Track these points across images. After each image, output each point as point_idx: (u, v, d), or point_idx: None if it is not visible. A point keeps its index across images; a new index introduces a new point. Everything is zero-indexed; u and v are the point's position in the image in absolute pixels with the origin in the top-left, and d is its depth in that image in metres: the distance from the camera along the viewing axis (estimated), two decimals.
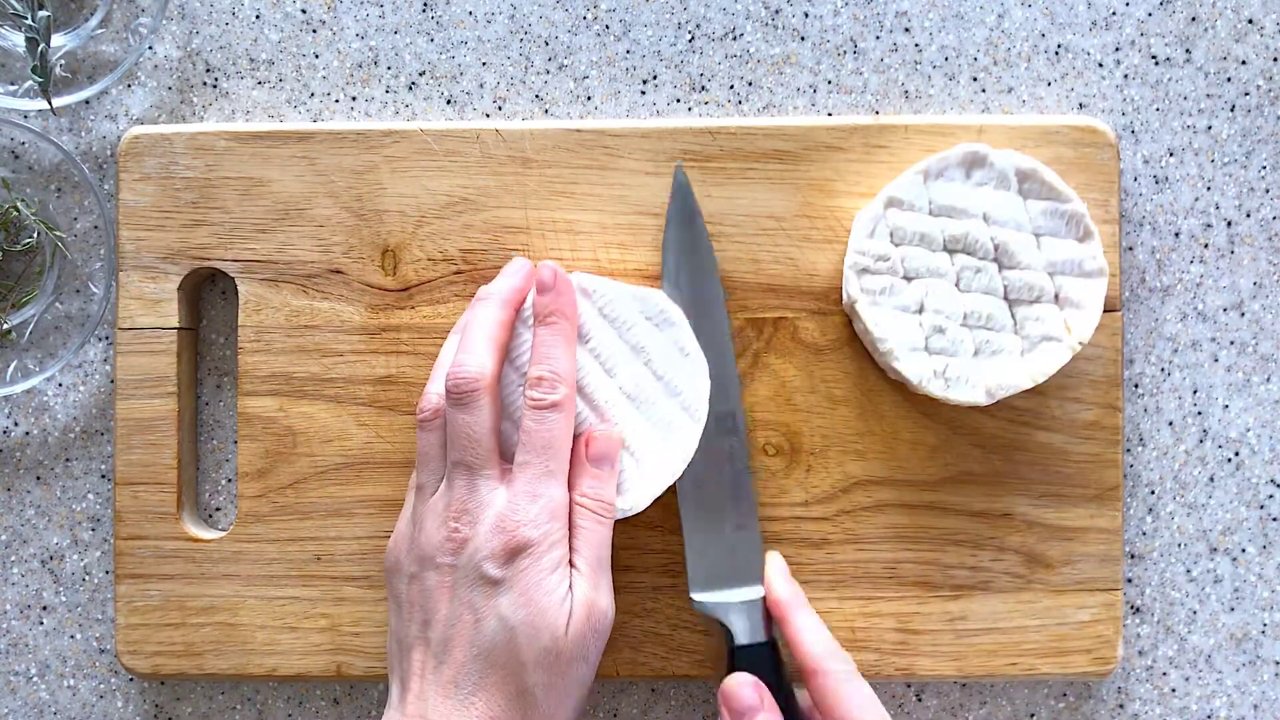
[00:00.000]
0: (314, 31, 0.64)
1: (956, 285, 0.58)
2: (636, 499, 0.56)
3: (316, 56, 0.64)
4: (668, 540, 0.61)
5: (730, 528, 0.59)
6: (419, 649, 0.53)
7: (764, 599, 0.58)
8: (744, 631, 0.57)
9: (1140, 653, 0.63)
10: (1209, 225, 0.63)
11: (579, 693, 0.53)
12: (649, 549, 0.61)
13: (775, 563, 0.59)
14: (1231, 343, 0.63)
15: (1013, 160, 0.58)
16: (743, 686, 0.55)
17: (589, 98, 0.64)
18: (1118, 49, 0.63)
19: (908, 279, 0.58)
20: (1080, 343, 0.57)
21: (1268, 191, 0.63)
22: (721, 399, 0.59)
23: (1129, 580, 0.63)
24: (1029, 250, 0.58)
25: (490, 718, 0.51)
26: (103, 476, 0.64)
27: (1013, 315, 0.58)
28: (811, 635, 0.56)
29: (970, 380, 0.57)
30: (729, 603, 0.58)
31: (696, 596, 0.58)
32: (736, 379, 0.59)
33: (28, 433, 0.64)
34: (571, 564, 0.54)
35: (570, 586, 0.53)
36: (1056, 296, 0.58)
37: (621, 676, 0.61)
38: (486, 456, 0.53)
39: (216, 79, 0.64)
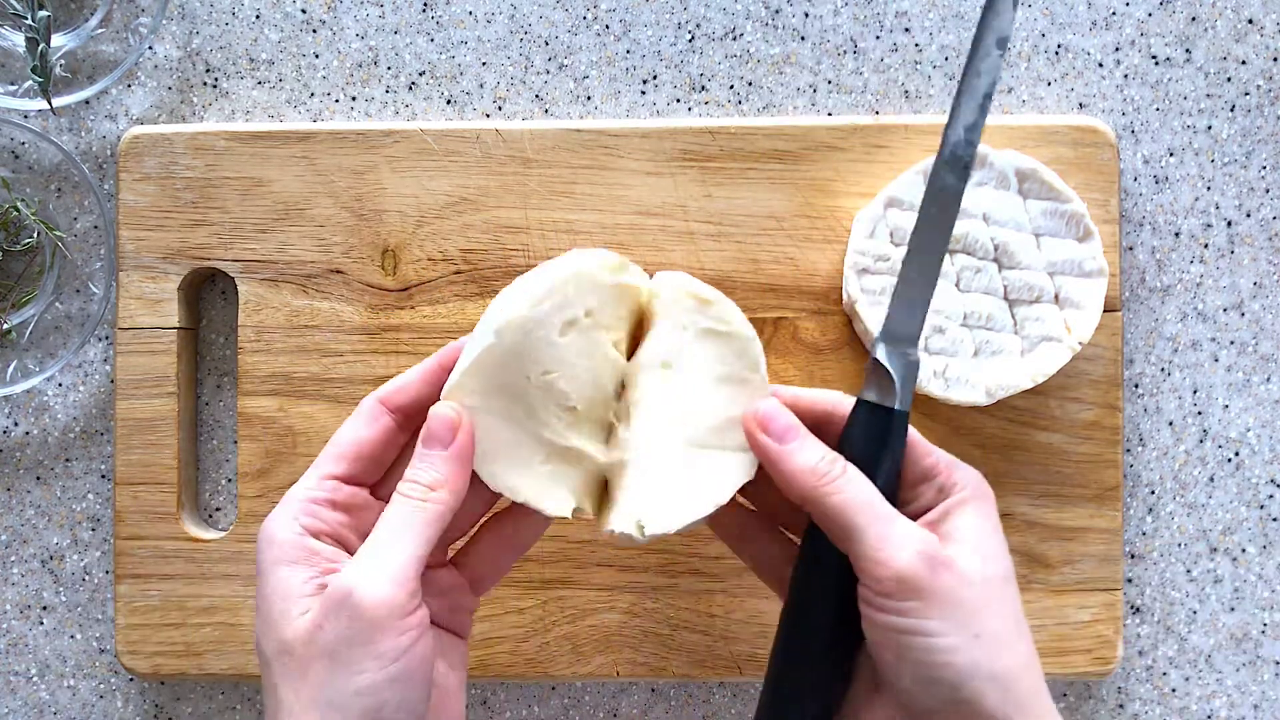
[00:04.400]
0: (314, 31, 0.64)
1: (956, 285, 0.58)
2: (668, 522, 0.49)
3: (316, 56, 0.64)
4: (667, 540, 0.61)
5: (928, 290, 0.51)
6: None
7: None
8: (904, 390, 0.49)
9: (1140, 653, 0.63)
10: (1209, 225, 0.63)
11: (329, 692, 0.44)
12: (649, 549, 0.61)
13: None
14: (1231, 343, 0.63)
15: (1012, 160, 0.58)
16: (773, 405, 0.49)
17: (589, 98, 0.64)
18: (1118, 49, 0.63)
19: None
20: (1080, 343, 0.57)
21: (1268, 191, 0.63)
22: (976, 127, 0.50)
23: (1129, 580, 0.63)
24: (1029, 250, 0.58)
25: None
26: (103, 476, 0.64)
27: (1013, 315, 0.58)
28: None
29: (970, 380, 0.57)
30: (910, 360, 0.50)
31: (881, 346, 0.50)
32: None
33: (28, 433, 0.64)
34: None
35: (325, 582, 0.46)
36: (1056, 296, 0.58)
37: (621, 676, 0.61)
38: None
39: (216, 79, 0.64)
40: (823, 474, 0.47)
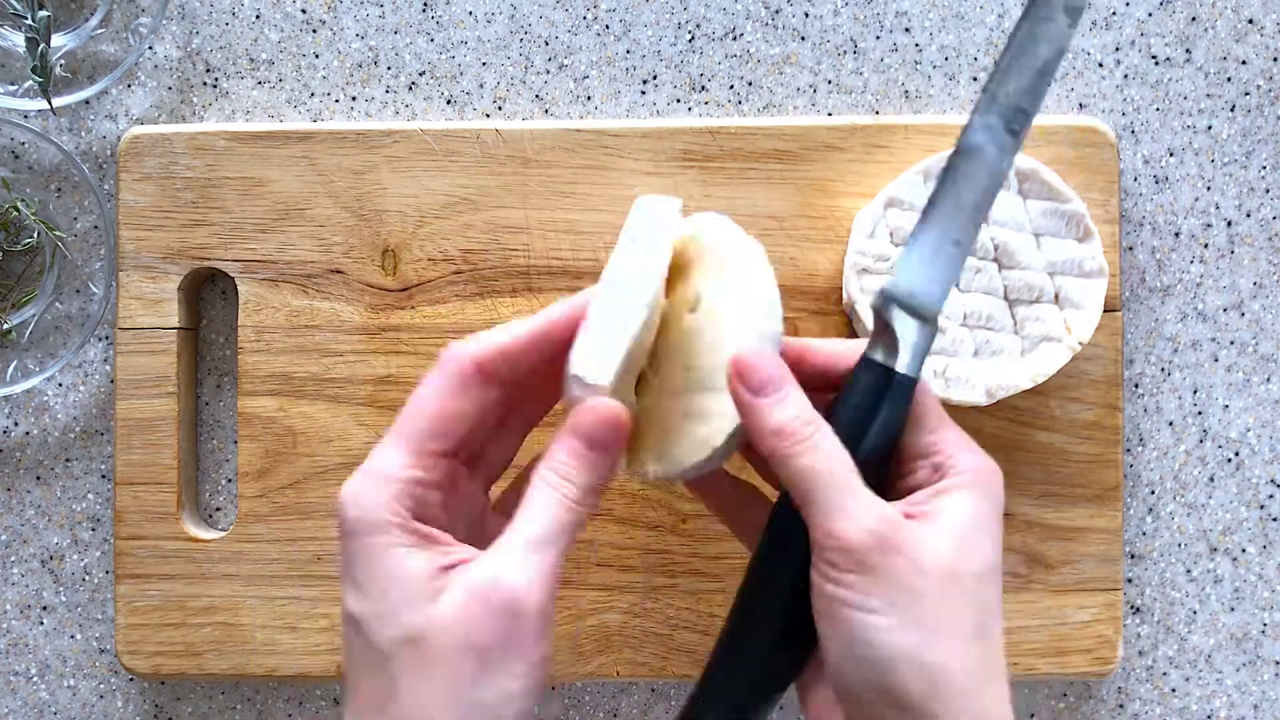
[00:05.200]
0: (314, 31, 0.64)
1: (956, 285, 0.58)
2: (671, 467, 0.47)
3: (316, 56, 0.64)
4: (667, 540, 0.61)
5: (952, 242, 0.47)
6: None
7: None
8: (909, 353, 0.46)
9: (1140, 653, 0.63)
10: (1209, 225, 0.63)
11: (473, 693, 0.41)
12: (649, 549, 0.61)
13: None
14: (1231, 343, 0.63)
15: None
16: (759, 355, 0.45)
17: (589, 98, 0.64)
18: (1118, 49, 0.63)
19: None
20: (1080, 343, 0.57)
21: (1268, 191, 0.63)
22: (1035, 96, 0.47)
23: (1129, 580, 0.63)
24: (1029, 250, 0.58)
25: None
26: (103, 476, 0.64)
27: (1013, 315, 0.58)
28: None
29: (970, 380, 0.57)
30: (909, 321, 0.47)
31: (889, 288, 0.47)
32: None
33: (28, 433, 0.64)
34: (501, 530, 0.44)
35: (450, 565, 0.43)
36: (1056, 296, 0.58)
37: (621, 676, 0.61)
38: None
39: (216, 79, 0.64)
40: (791, 433, 0.44)
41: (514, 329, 0.46)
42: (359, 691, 0.43)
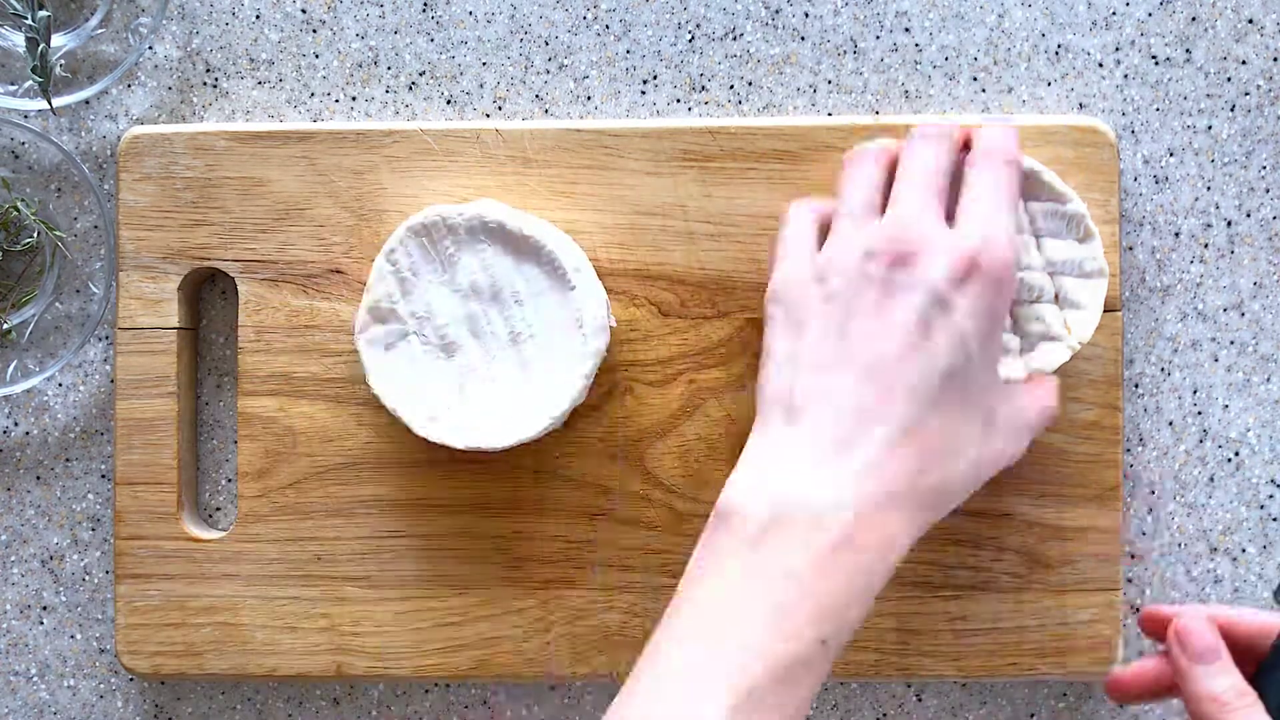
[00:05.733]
0: (314, 31, 0.64)
1: None
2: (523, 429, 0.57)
3: (316, 56, 0.64)
4: (667, 540, 0.61)
5: None
6: (842, 370, 0.48)
7: None
8: None
9: (1140, 653, 0.63)
10: (1209, 225, 0.63)
11: (999, 457, 0.51)
12: (649, 549, 0.61)
13: None
14: (1231, 343, 0.63)
15: None
16: (1199, 621, 0.51)
17: (589, 98, 0.64)
18: (1118, 49, 0.63)
19: None
20: (1080, 342, 0.57)
21: (1268, 191, 0.63)
22: None
23: (1129, 580, 0.63)
24: (1029, 251, 0.58)
25: (942, 442, 0.48)
26: (103, 476, 0.64)
27: (1013, 314, 0.58)
28: None
29: None
30: None
31: None
32: None
33: (28, 433, 0.64)
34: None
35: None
36: (1057, 296, 0.58)
37: (621, 677, 0.61)
38: (937, 189, 0.52)
39: (216, 79, 0.64)
40: (1225, 703, 0.49)
41: None
42: (939, 406, 0.48)
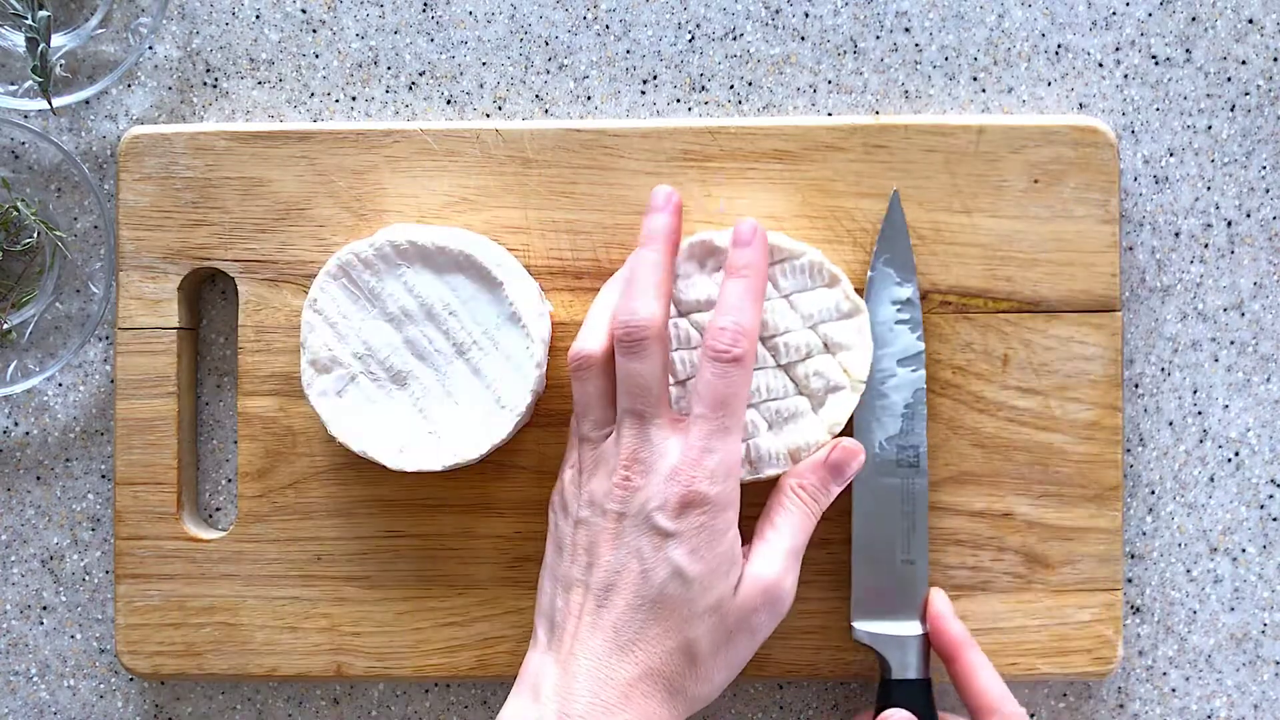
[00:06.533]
0: (314, 31, 0.64)
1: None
2: (466, 451, 0.58)
3: (316, 56, 0.64)
4: None
5: (899, 561, 0.59)
6: (579, 591, 0.53)
7: (923, 636, 0.58)
8: (901, 666, 0.58)
9: (1140, 653, 0.63)
10: (1209, 225, 0.63)
11: (735, 662, 0.53)
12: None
13: (943, 600, 0.58)
14: (1231, 343, 0.63)
15: None
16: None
17: (589, 98, 0.64)
18: (1118, 49, 0.63)
19: (683, 382, 0.57)
20: (861, 381, 0.57)
21: (1268, 191, 0.63)
22: (908, 433, 0.59)
23: (1129, 580, 0.63)
24: (784, 314, 0.57)
25: (648, 668, 0.51)
26: (103, 476, 0.64)
27: (791, 378, 0.58)
28: (986, 675, 0.56)
29: (775, 453, 0.57)
30: (890, 635, 0.58)
31: (857, 625, 0.58)
32: (924, 414, 0.59)
33: (28, 433, 0.65)
34: (764, 536, 0.55)
35: (747, 554, 0.54)
36: (826, 345, 0.58)
37: None
38: (658, 404, 0.53)
39: (216, 79, 0.64)
40: None
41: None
42: (667, 633, 0.52)
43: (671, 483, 0.52)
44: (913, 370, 0.58)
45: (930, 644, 0.58)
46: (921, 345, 0.59)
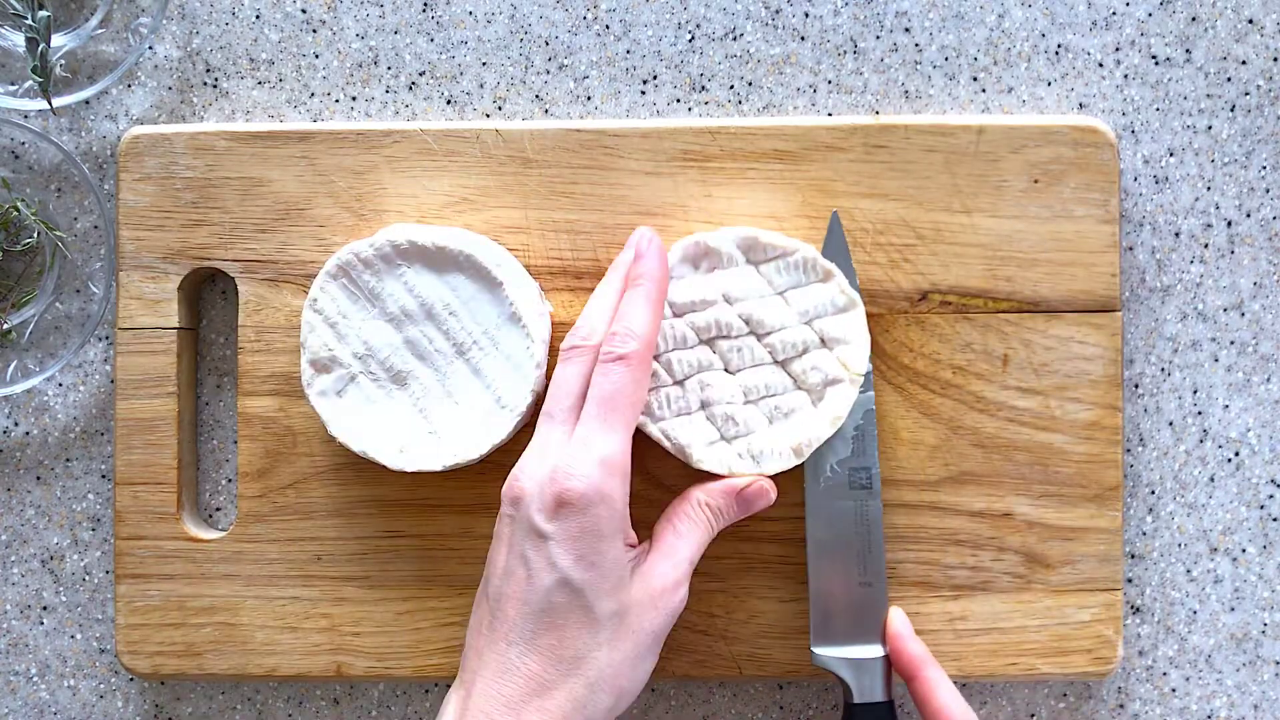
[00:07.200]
0: (314, 31, 0.64)
1: (726, 369, 0.58)
2: (467, 450, 0.57)
3: (316, 56, 0.64)
4: None
5: (856, 584, 0.58)
6: (483, 607, 0.53)
7: (884, 658, 0.58)
8: (862, 690, 0.57)
9: (1140, 653, 0.63)
10: (1209, 225, 0.63)
11: (641, 673, 0.53)
12: None
13: (901, 620, 0.58)
14: (1231, 343, 0.63)
15: (729, 237, 0.58)
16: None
17: (589, 98, 0.64)
18: (1118, 49, 0.63)
19: (681, 382, 0.58)
20: (859, 375, 0.57)
21: (1268, 191, 0.63)
22: (860, 454, 0.58)
23: (1129, 580, 0.63)
24: (779, 311, 0.58)
25: (539, 682, 0.50)
26: (103, 476, 0.64)
27: (789, 374, 0.58)
28: (946, 692, 0.56)
29: (776, 449, 0.57)
30: (849, 659, 0.58)
31: (817, 650, 0.58)
32: (875, 435, 0.59)
33: (28, 433, 0.65)
34: (666, 540, 0.55)
35: (639, 555, 0.54)
36: (823, 340, 0.58)
37: None
38: (569, 410, 0.54)
39: (216, 79, 0.64)
40: None
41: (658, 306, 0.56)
42: (560, 642, 0.51)
43: (550, 482, 0.52)
44: (861, 391, 0.58)
45: (891, 665, 0.58)
46: (869, 366, 0.58)
